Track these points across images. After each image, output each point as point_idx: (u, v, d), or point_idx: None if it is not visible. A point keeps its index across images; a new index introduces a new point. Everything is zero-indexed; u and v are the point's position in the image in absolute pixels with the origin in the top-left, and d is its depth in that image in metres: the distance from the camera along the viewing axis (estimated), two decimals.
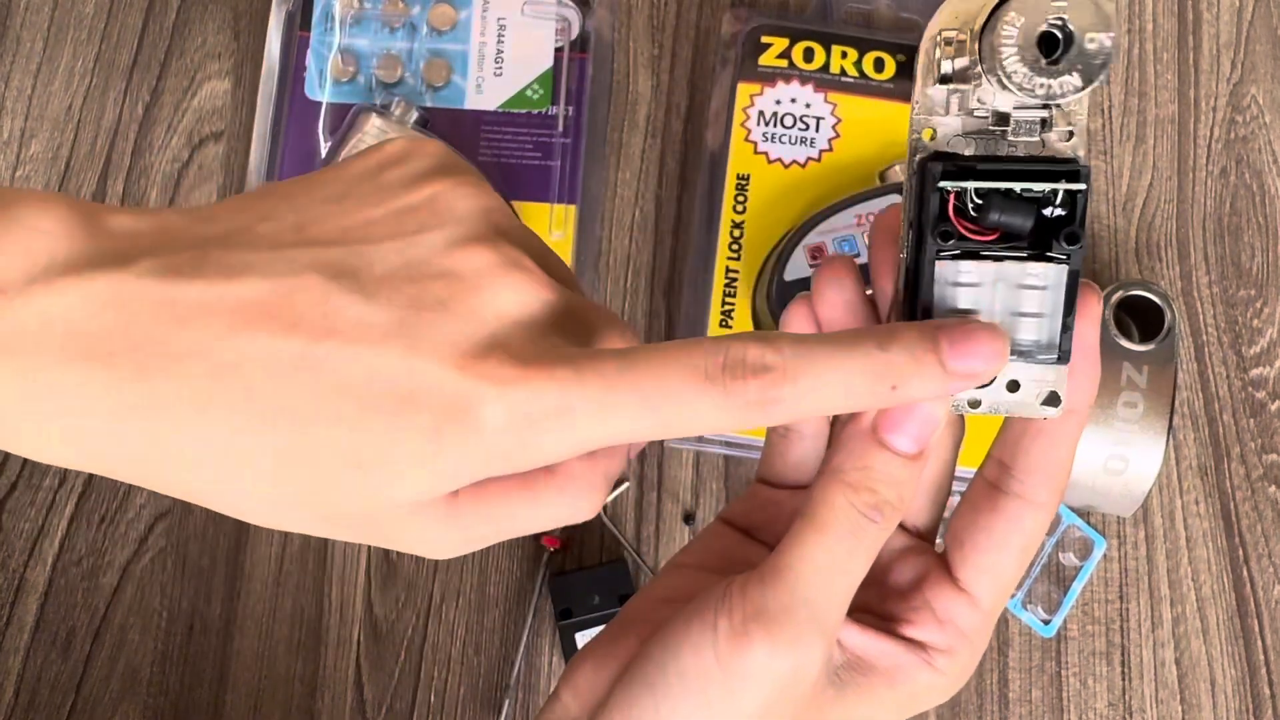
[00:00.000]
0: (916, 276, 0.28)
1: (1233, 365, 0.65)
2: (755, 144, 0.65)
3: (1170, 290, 0.66)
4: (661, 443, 0.63)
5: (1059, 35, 0.26)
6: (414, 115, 0.62)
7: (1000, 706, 0.60)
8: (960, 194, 0.27)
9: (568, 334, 0.26)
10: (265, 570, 0.61)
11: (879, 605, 0.31)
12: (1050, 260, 0.27)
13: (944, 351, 0.26)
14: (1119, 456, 0.59)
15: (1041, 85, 0.26)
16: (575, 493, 0.27)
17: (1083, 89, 0.26)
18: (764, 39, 0.67)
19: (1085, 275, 0.67)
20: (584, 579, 0.60)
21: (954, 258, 0.27)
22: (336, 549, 0.62)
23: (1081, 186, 0.27)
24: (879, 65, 0.67)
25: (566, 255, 0.64)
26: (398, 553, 0.62)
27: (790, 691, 0.27)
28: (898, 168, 0.64)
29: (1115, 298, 0.60)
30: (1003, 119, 0.27)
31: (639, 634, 0.29)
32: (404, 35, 0.66)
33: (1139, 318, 0.61)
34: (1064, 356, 0.28)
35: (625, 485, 0.63)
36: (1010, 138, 0.27)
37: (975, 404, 0.29)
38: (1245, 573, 0.62)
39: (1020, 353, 0.28)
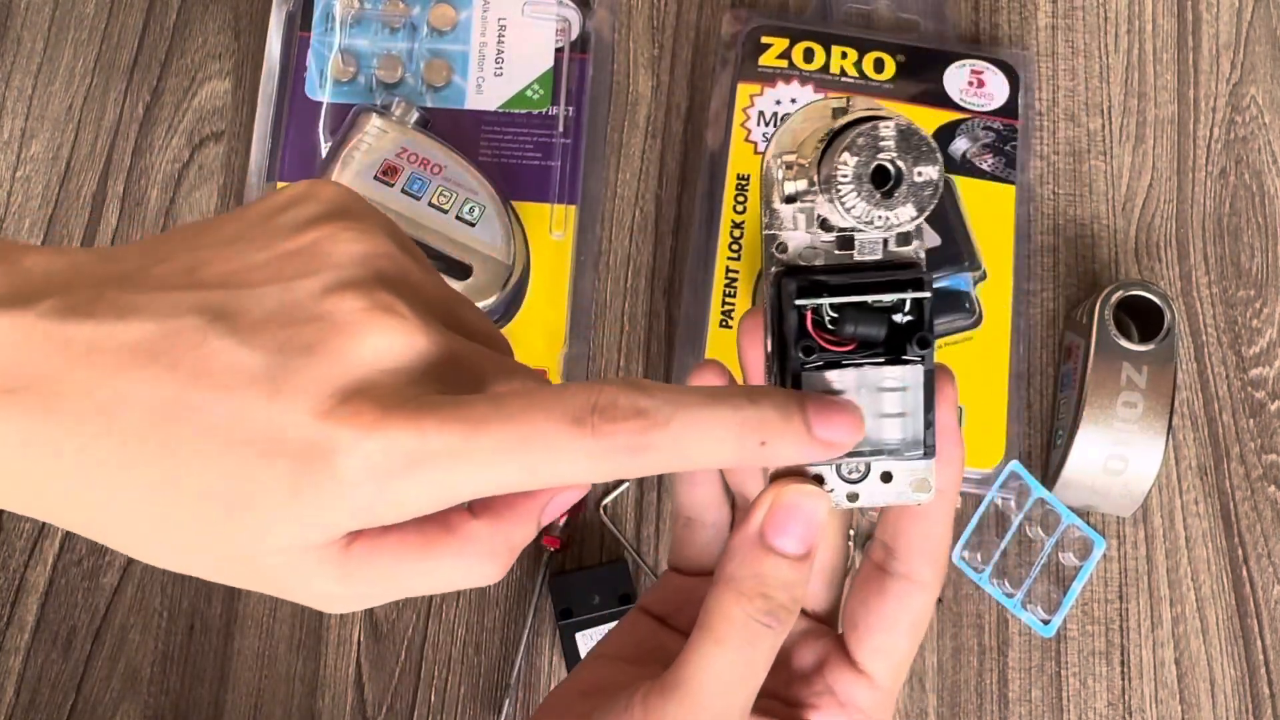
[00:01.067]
0: (783, 384, 0.29)
1: (1232, 365, 0.65)
2: (755, 144, 0.65)
3: (1170, 290, 0.66)
4: None
5: (890, 169, 0.28)
6: (414, 115, 0.62)
7: (1000, 706, 0.61)
8: (817, 309, 0.29)
9: (448, 383, 0.26)
10: None
11: (784, 690, 0.32)
12: (906, 363, 0.29)
13: (809, 416, 0.27)
14: (1119, 456, 0.59)
15: (880, 218, 0.28)
16: (474, 556, 0.27)
17: (917, 218, 0.28)
18: (764, 39, 0.67)
19: (1085, 275, 0.67)
20: (584, 579, 0.60)
21: (818, 368, 0.29)
22: None
23: (927, 295, 0.29)
24: (879, 66, 0.67)
25: (566, 255, 0.64)
26: None
27: None
28: None
29: (1115, 298, 0.60)
30: (847, 241, 0.29)
31: None
32: (404, 35, 0.66)
33: (1139, 318, 0.61)
34: (929, 451, 0.30)
35: (625, 485, 0.63)
36: (858, 257, 0.29)
37: (854, 498, 0.30)
38: (1245, 573, 0.62)
39: (889, 451, 0.30)
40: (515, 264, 0.61)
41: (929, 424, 0.29)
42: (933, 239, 0.62)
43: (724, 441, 0.26)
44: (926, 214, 0.28)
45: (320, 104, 0.65)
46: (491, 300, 0.61)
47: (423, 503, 0.25)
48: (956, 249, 0.62)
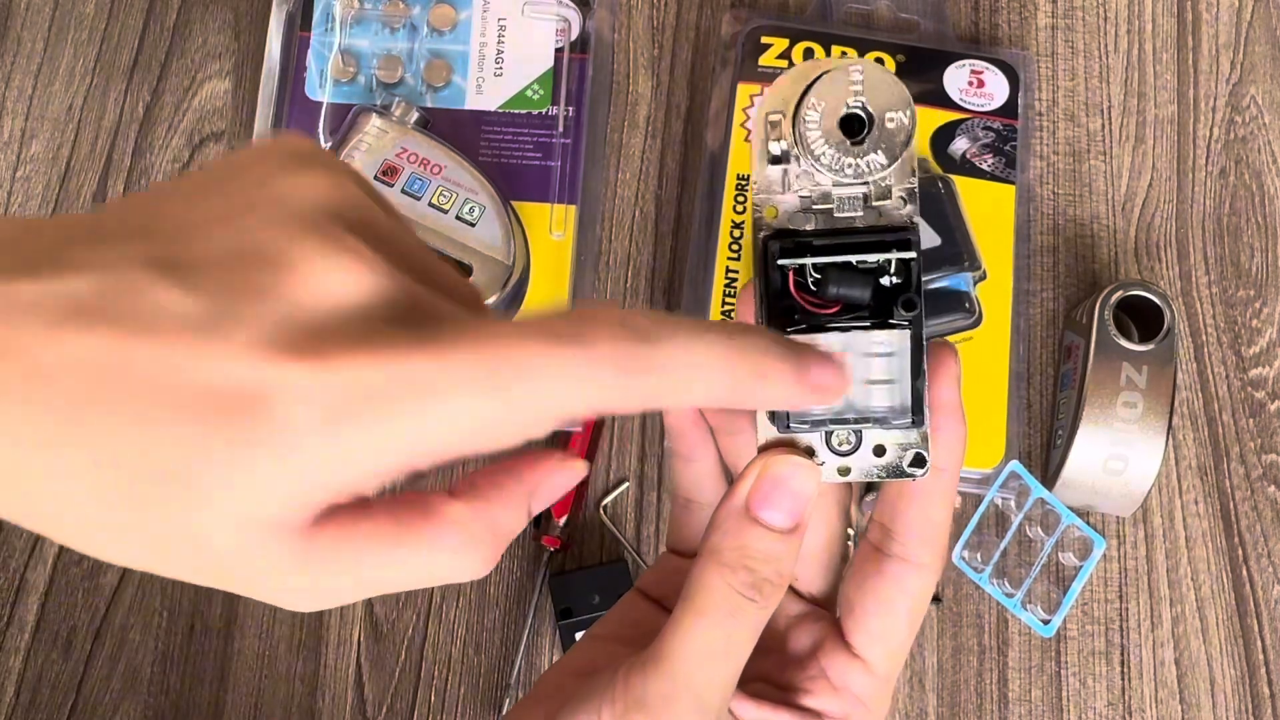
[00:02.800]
0: None
1: (1232, 365, 0.65)
2: None
3: (1169, 290, 0.66)
4: (661, 442, 0.63)
5: (861, 116, 0.27)
6: (414, 115, 0.62)
7: (1000, 706, 0.61)
8: (800, 270, 0.28)
9: (410, 327, 0.22)
10: None
11: (777, 674, 0.32)
12: (892, 327, 0.28)
13: (800, 357, 0.26)
14: (1118, 456, 0.59)
15: (849, 165, 0.27)
16: (456, 544, 0.24)
17: (888, 166, 0.27)
18: (764, 39, 0.67)
19: (1085, 275, 0.67)
20: (584, 578, 0.60)
21: (802, 331, 0.28)
22: None
23: (912, 255, 0.28)
24: None
25: (566, 255, 0.64)
26: None
27: None
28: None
29: (1115, 298, 0.60)
30: (826, 197, 0.28)
31: (547, 709, 0.29)
32: (404, 35, 0.66)
33: (1138, 318, 0.61)
34: (918, 420, 0.29)
35: (625, 485, 0.63)
36: (836, 214, 0.28)
37: (845, 471, 0.29)
38: (1244, 572, 0.62)
39: (876, 419, 0.29)
40: (515, 264, 0.61)
41: (917, 391, 0.29)
42: (933, 239, 0.62)
43: (716, 370, 0.23)
44: (899, 161, 0.27)
45: (320, 104, 0.65)
46: (491, 300, 0.61)
47: (387, 455, 0.21)
48: (956, 249, 0.62)
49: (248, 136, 0.66)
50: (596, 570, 0.61)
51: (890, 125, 0.27)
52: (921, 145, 0.66)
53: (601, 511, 0.62)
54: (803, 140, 0.27)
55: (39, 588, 0.61)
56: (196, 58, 0.68)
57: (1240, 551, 0.63)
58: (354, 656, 0.61)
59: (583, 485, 0.62)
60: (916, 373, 0.28)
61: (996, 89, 0.67)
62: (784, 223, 0.28)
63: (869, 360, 0.28)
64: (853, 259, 0.28)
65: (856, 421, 0.29)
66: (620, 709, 0.27)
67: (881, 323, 0.28)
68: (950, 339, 0.63)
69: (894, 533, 0.30)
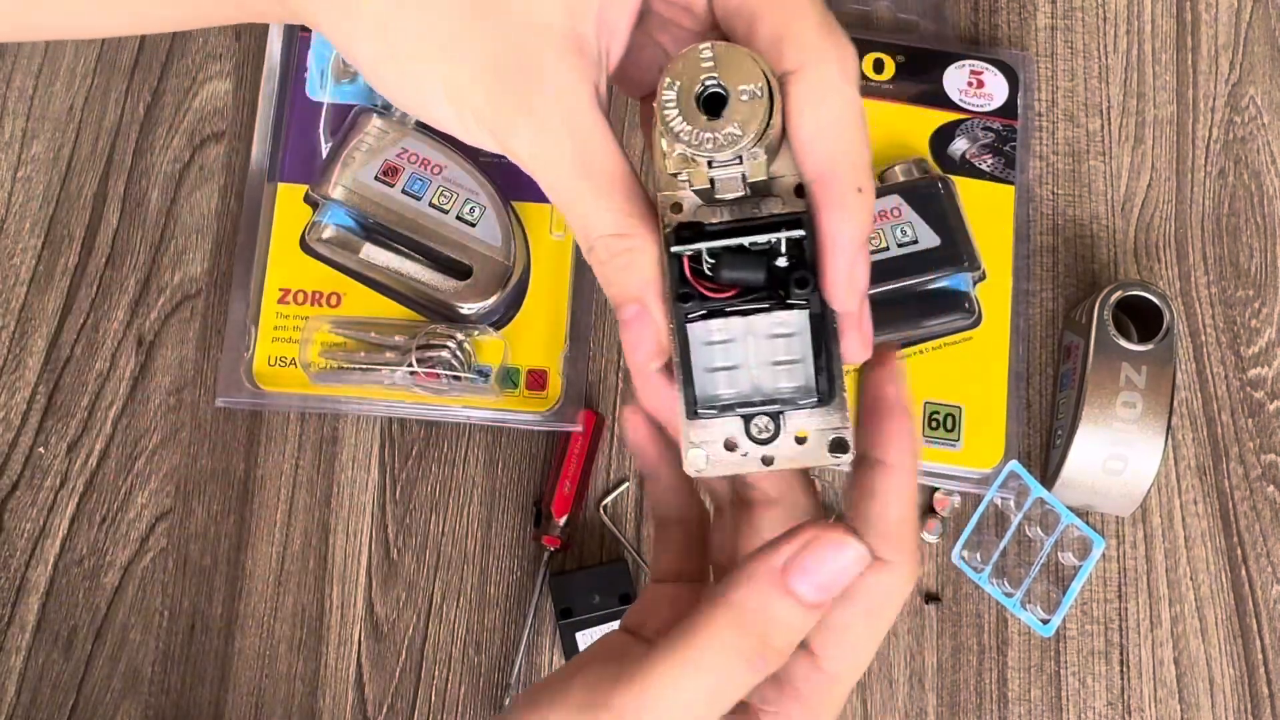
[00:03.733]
0: (680, 342, 0.28)
1: (1231, 365, 0.65)
2: None
3: (1169, 291, 0.66)
4: None
5: (719, 93, 0.27)
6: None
7: (999, 705, 0.61)
8: (696, 257, 0.28)
9: None
10: (266, 570, 0.62)
11: None
12: (791, 307, 0.28)
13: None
14: (1118, 456, 0.59)
15: (706, 139, 0.27)
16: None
17: (742, 138, 0.27)
18: None
19: (1084, 275, 0.67)
20: (584, 578, 0.60)
21: (703, 317, 0.28)
22: (337, 549, 0.62)
23: (801, 233, 0.27)
24: (878, 66, 0.67)
25: (566, 255, 0.64)
26: (398, 552, 0.62)
27: None
28: (897, 169, 0.64)
29: (1114, 298, 0.60)
30: (710, 186, 0.28)
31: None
32: None
33: (1137, 318, 0.61)
34: (823, 397, 0.28)
35: (625, 485, 0.63)
36: (717, 196, 0.28)
37: (769, 461, 0.29)
38: (1244, 572, 0.62)
39: (784, 400, 0.28)
40: (515, 264, 0.61)
41: (819, 369, 0.28)
42: (932, 239, 0.62)
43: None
44: (757, 135, 0.27)
45: (321, 104, 0.65)
46: (491, 300, 0.61)
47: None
48: (956, 249, 0.62)
49: (248, 137, 0.66)
50: (596, 570, 0.61)
51: (744, 99, 0.27)
52: (921, 145, 0.66)
53: (601, 511, 0.62)
54: (664, 122, 0.27)
55: (40, 587, 0.61)
56: (197, 58, 0.68)
57: (1239, 551, 0.63)
58: (354, 656, 0.61)
59: (583, 485, 0.62)
60: (819, 350, 0.28)
61: (996, 89, 0.67)
62: (689, 216, 0.29)
63: (772, 342, 0.28)
64: (743, 241, 0.28)
65: (764, 403, 0.29)
66: (577, 705, 0.26)
67: (780, 303, 0.28)
68: (950, 339, 0.63)
69: (857, 530, 0.29)
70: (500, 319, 0.63)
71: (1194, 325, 0.66)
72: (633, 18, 0.30)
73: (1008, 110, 0.67)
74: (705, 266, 0.28)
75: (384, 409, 0.62)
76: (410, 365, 0.61)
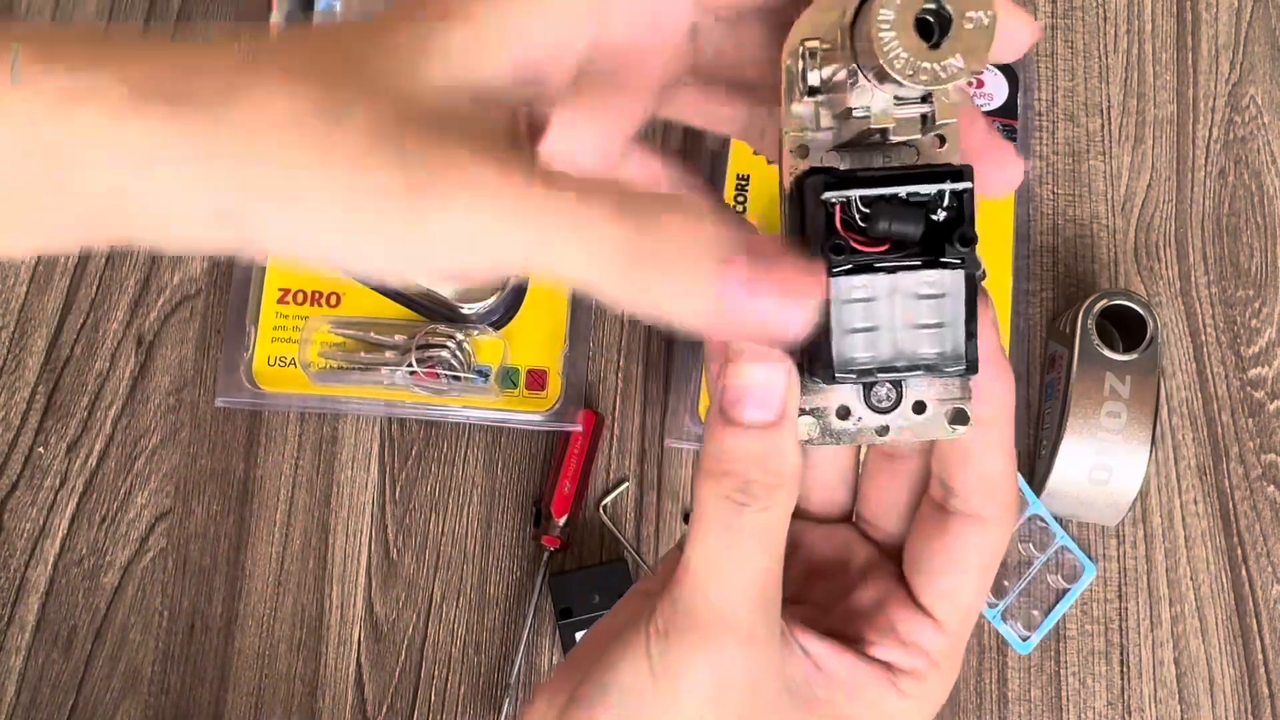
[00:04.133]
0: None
1: (1231, 365, 0.65)
2: None
3: (1169, 290, 0.66)
4: (661, 443, 0.63)
5: (933, 20, 0.24)
6: None
7: (999, 705, 0.61)
8: (845, 206, 0.25)
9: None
10: (266, 570, 0.62)
11: (845, 627, 0.30)
12: (945, 266, 0.26)
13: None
14: (1103, 467, 0.59)
15: (925, 70, 0.24)
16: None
17: (965, 69, 0.24)
18: None
19: (1084, 275, 0.67)
20: (584, 578, 0.60)
21: (845, 273, 0.25)
22: (337, 549, 0.62)
23: (968, 185, 0.25)
24: None
25: None
26: (398, 552, 0.62)
27: (729, 696, 0.27)
28: None
29: (1098, 307, 0.60)
30: (864, 128, 0.25)
31: (584, 667, 0.29)
32: None
33: (1122, 327, 0.61)
34: (972, 366, 0.26)
35: (625, 485, 0.63)
36: (893, 137, 0.25)
37: (883, 431, 0.27)
38: (1244, 572, 0.62)
39: (927, 367, 0.26)
40: None
41: (970, 334, 0.26)
42: None
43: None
44: (981, 67, 0.24)
45: None
46: (491, 300, 0.61)
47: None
48: None
49: None
50: (596, 570, 0.61)
51: (969, 27, 0.24)
52: None
53: (601, 511, 0.62)
54: (873, 45, 0.23)
55: (40, 587, 0.61)
56: None
57: (1239, 551, 0.63)
58: (354, 656, 0.61)
59: (583, 485, 0.62)
60: (970, 315, 0.26)
61: (996, 89, 0.67)
62: (816, 162, 0.26)
63: (918, 303, 0.26)
64: (902, 190, 0.25)
65: (906, 369, 0.26)
66: (660, 626, 0.27)
67: (933, 261, 0.26)
68: None
69: (955, 489, 0.29)
70: (500, 319, 0.63)
71: (1194, 325, 0.66)
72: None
73: (1008, 110, 0.67)
74: (856, 217, 0.25)
75: (383, 409, 0.62)
76: (410, 365, 0.61)
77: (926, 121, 0.25)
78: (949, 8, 0.23)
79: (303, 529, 0.62)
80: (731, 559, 0.26)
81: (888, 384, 0.27)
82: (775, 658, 0.28)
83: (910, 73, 0.23)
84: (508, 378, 0.62)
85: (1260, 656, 0.61)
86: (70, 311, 0.64)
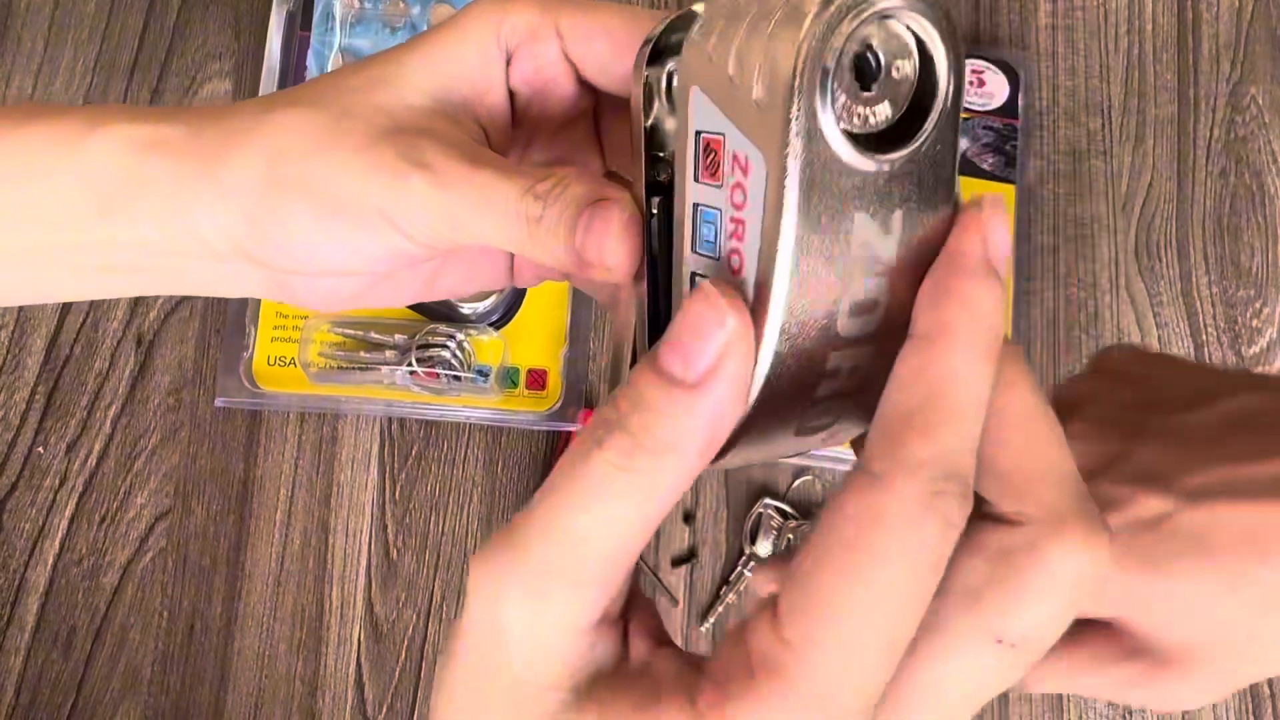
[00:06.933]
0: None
1: (1232, 365, 0.65)
2: None
3: (1169, 290, 0.66)
4: None
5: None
6: None
7: (1000, 705, 0.60)
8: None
9: None
10: (266, 570, 0.62)
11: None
12: None
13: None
14: None
15: None
16: None
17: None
18: None
19: (1085, 275, 0.67)
20: None
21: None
22: (337, 549, 0.62)
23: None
24: None
25: None
26: (398, 552, 0.62)
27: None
28: None
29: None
30: None
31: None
32: (405, 35, 0.66)
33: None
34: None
35: None
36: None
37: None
38: None
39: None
40: None
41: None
42: None
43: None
44: None
45: None
46: (491, 300, 0.61)
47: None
48: None
49: None
50: None
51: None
52: None
53: None
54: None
55: (39, 588, 0.61)
56: (197, 57, 0.68)
57: None
58: (354, 656, 0.61)
59: None
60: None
61: (997, 89, 0.67)
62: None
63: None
64: None
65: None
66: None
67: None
68: None
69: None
70: (500, 318, 0.63)
71: (1195, 324, 0.66)
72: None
73: (1008, 109, 0.67)
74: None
75: (383, 409, 0.62)
76: (410, 365, 0.60)
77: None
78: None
79: (302, 529, 0.62)
80: (591, 528, 0.22)
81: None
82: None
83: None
84: (508, 377, 0.62)
85: None
86: (70, 311, 0.64)
